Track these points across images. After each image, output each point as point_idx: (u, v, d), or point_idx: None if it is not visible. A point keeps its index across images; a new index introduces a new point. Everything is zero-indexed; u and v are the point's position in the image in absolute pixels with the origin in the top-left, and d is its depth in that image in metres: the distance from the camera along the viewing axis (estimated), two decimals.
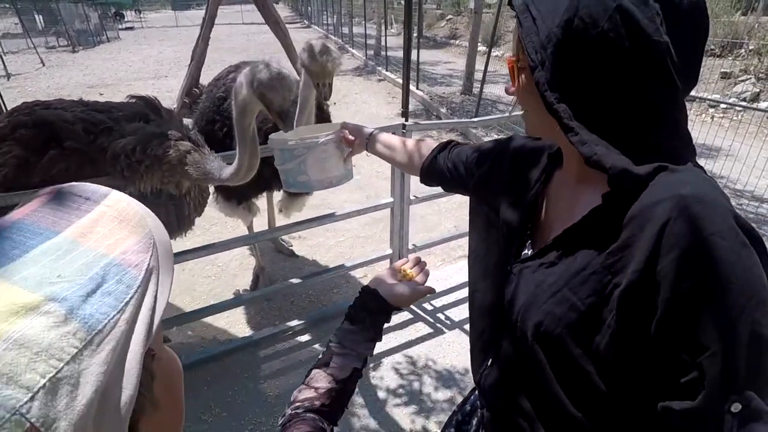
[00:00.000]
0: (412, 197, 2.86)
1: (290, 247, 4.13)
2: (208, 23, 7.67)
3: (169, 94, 9.22)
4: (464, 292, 3.29)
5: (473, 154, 1.13)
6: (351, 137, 1.50)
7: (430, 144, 1.32)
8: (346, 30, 18.01)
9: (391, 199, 2.81)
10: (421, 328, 2.97)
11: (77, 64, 15.53)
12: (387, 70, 11.68)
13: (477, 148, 1.14)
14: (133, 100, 2.30)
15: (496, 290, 0.88)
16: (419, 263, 1.12)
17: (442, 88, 10.20)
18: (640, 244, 0.62)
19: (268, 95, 1.66)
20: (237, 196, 2.96)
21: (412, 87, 10.04)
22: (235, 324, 3.20)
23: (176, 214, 2.27)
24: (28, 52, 16.70)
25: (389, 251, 3.02)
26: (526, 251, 0.88)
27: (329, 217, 2.68)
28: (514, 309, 0.81)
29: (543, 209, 0.90)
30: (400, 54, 13.06)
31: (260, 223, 4.23)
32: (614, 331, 0.65)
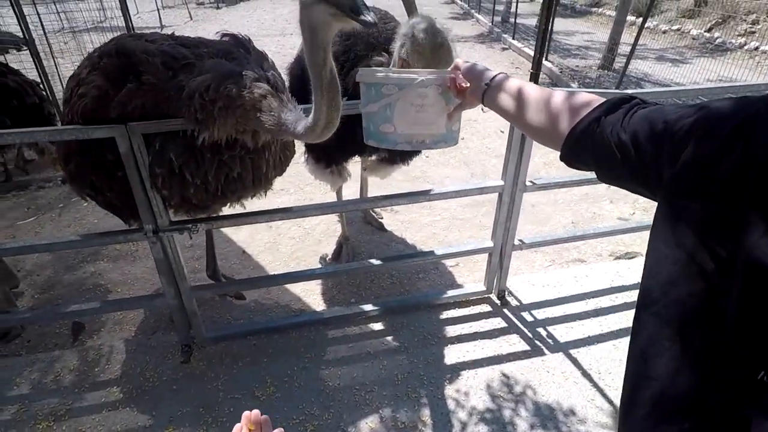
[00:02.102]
0: (527, 182, 2.30)
1: (380, 219, 3.80)
2: None
3: (291, 51, 9.35)
4: (576, 307, 2.68)
5: (680, 123, 0.61)
6: (464, 82, 1.05)
7: (589, 99, 0.81)
8: None
9: (501, 182, 2.29)
10: (514, 342, 2.46)
11: (218, 20, 16.70)
12: (514, 38, 10.62)
13: (690, 113, 0.62)
14: (225, 38, 2.06)
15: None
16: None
17: (575, 61, 8.96)
18: None
19: None
20: (326, 158, 2.66)
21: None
22: (310, 293, 2.99)
23: (252, 170, 2.01)
24: (181, 7, 18.37)
25: (489, 244, 2.52)
26: None
27: (424, 195, 2.25)
28: None
29: None
30: (529, 21, 12.00)
31: (352, 191, 3.98)
32: None
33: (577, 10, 15.41)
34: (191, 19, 16.55)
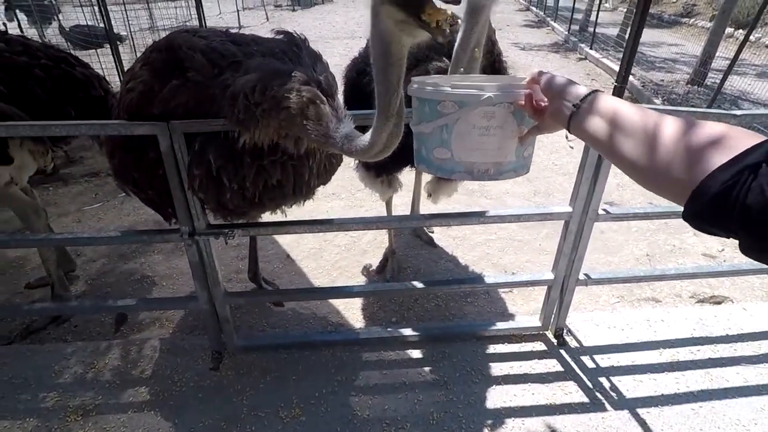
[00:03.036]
0: (600, 210, 1.99)
1: (430, 233, 3.58)
2: None
3: None
4: (648, 357, 2.31)
5: None
6: (543, 100, 0.82)
7: (726, 133, 0.56)
8: (551, 2, 16.15)
9: (569, 209, 2.00)
10: (571, 391, 2.15)
11: (292, 22, 17.25)
12: (591, 48, 9.98)
13: None
14: (280, 36, 1.95)
15: None
16: None
17: (660, 75, 8.22)
18: None
19: None
20: (376, 168, 2.50)
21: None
22: (350, 307, 2.83)
23: (293, 177, 1.88)
24: (259, 8, 19.21)
25: (549, 276, 2.22)
26: None
27: (478, 216, 2.01)
28: None
29: None
30: (610, 31, 11.24)
31: (404, 201, 3.79)
32: None
33: (665, 20, 14.28)
34: (267, 20, 17.24)
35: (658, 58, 9.73)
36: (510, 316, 2.73)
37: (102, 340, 2.57)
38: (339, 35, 13.53)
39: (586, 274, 2.22)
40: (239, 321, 2.73)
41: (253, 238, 2.87)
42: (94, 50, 6.90)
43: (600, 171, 1.87)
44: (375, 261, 3.30)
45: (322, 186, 2.09)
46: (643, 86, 7.35)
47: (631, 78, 7.73)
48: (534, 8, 18.34)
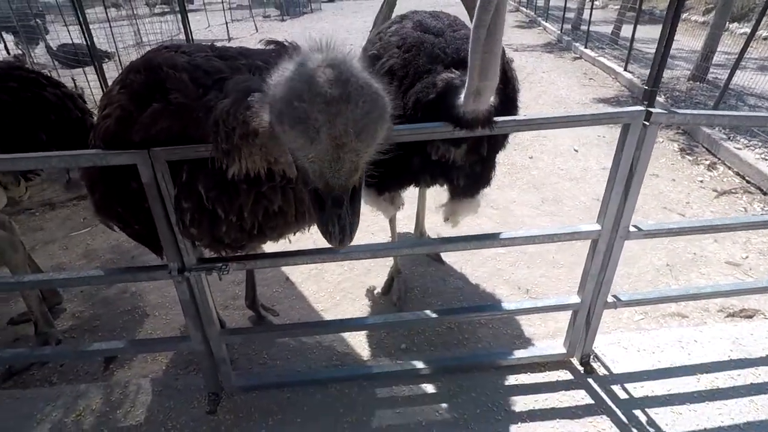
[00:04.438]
0: (631, 227, 1.81)
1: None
2: None
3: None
4: (684, 384, 2.12)
5: None
6: None
7: None
8: (541, 2, 16.11)
9: (597, 227, 1.81)
10: (604, 427, 1.95)
11: (282, 31, 17.12)
12: (586, 47, 9.87)
13: None
14: (270, 46, 1.76)
15: None
16: None
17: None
18: None
19: None
20: (378, 186, 2.32)
21: (618, 68, 8.21)
22: (355, 333, 2.64)
23: (295, 203, 1.68)
24: (248, 20, 19.07)
25: (575, 299, 2.04)
26: None
27: (492, 239, 1.82)
28: None
29: None
30: (603, 29, 11.12)
31: (407, 214, 3.61)
32: None
33: (657, 16, 14.24)
34: (257, 31, 17.08)
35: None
36: (527, 340, 2.54)
37: (89, 382, 2.37)
38: None
39: (614, 296, 2.04)
40: (237, 352, 2.53)
41: None
42: (81, 69, 6.71)
43: (632, 185, 1.69)
44: (379, 281, 3.11)
45: None
46: (643, 83, 7.21)
47: (630, 76, 7.59)
48: (524, 9, 18.29)
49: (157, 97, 1.52)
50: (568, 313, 2.17)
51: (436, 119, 1.68)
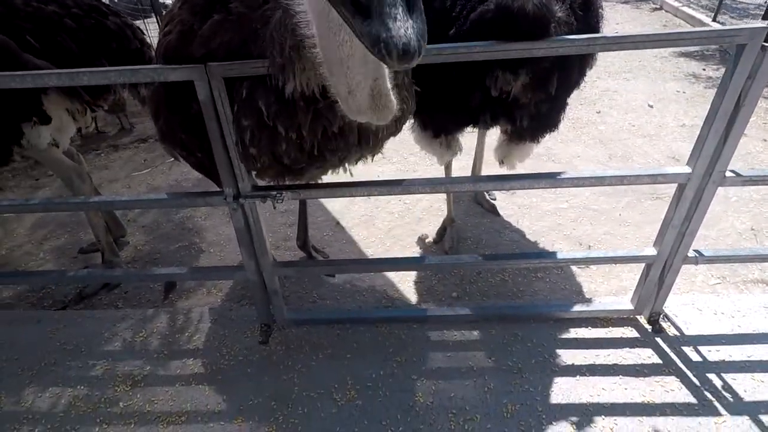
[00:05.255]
0: (728, 172, 1.59)
1: (492, 201, 3.25)
2: None
3: None
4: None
5: None
6: None
7: None
8: None
9: (687, 170, 1.60)
10: (673, 388, 1.81)
11: None
12: None
13: None
14: None
15: None
16: None
17: (756, 24, 7.16)
18: None
19: None
20: (434, 126, 2.18)
21: (706, 19, 7.33)
22: (406, 279, 2.59)
23: (357, 125, 1.58)
24: None
25: (651, 251, 1.85)
26: None
27: (550, 178, 1.65)
28: None
29: None
30: None
31: (462, 165, 3.44)
32: None
33: None
34: None
35: (751, 3, 8.52)
36: (586, 296, 2.39)
37: (151, 308, 2.49)
38: None
39: (696, 251, 1.84)
40: (288, 290, 2.56)
41: (303, 202, 2.66)
42: (142, 20, 6.82)
43: (736, 121, 1.47)
44: (431, 230, 3.02)
45: (392, 137, 1.77)
46: None
47: (718, 26, 6.77)
48: None
49: (218, 8, 1.45)
50: (634, 272, 2.00)
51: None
